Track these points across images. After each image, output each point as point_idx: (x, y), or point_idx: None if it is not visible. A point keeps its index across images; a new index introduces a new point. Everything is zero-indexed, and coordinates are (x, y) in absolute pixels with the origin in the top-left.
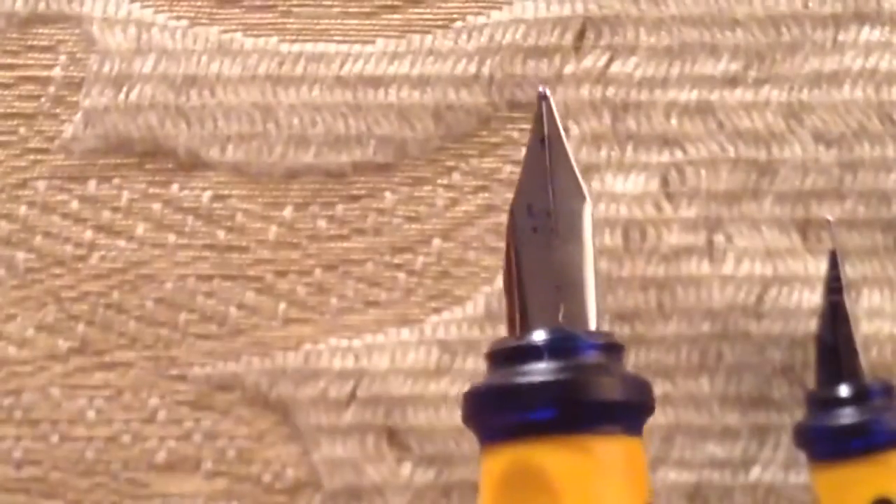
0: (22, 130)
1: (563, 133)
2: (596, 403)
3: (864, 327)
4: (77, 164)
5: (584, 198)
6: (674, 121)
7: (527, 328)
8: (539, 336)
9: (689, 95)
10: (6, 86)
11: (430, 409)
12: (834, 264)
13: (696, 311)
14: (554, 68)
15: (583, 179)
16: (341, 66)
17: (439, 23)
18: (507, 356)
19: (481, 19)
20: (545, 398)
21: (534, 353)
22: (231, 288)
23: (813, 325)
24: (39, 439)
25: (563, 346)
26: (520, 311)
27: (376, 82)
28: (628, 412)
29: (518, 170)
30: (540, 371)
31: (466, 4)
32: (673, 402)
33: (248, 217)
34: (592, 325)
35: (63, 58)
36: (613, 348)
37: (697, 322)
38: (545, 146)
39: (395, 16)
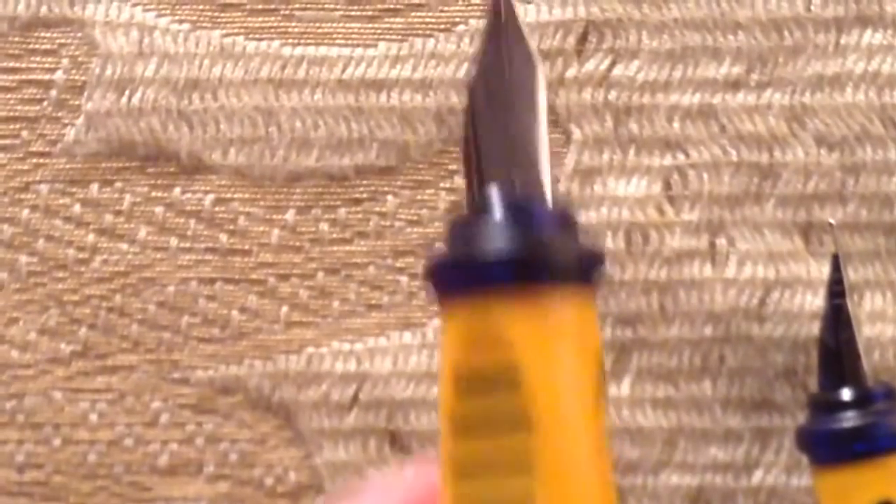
0: (24, 134)
1: (515, 6)
2: (551, 265)
3: (866, 331)
4: (79, 167)
5: (535, 66)
6: (676, 124)
7: (484, 199)
8: (496, 205)
9: (691, 99)
10: (8, 89)
11: (433, 412)
12: (836, 268)
13: (699, 315)
14: (556, 72)
15: (535, 50)
16: (343, 69)
17: (441, 26)
18: (464, 224)
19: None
20: (503, 261)
21: (491, 218)
22: (233, 291)
23: (815, 328)
24: (42, 443)
25: (518, 213)
26: (477, 182)
27: (378, 86)
28: (581, 274)
29: None
30: (496, 237)
31: (469, 8)
32: (675, 406)
33: (251, 220)
34: (547, 193)
35: (65, 61)
36: (567, 213)
37: (699, 325)
38: (499, 20)
39: (398, 19)
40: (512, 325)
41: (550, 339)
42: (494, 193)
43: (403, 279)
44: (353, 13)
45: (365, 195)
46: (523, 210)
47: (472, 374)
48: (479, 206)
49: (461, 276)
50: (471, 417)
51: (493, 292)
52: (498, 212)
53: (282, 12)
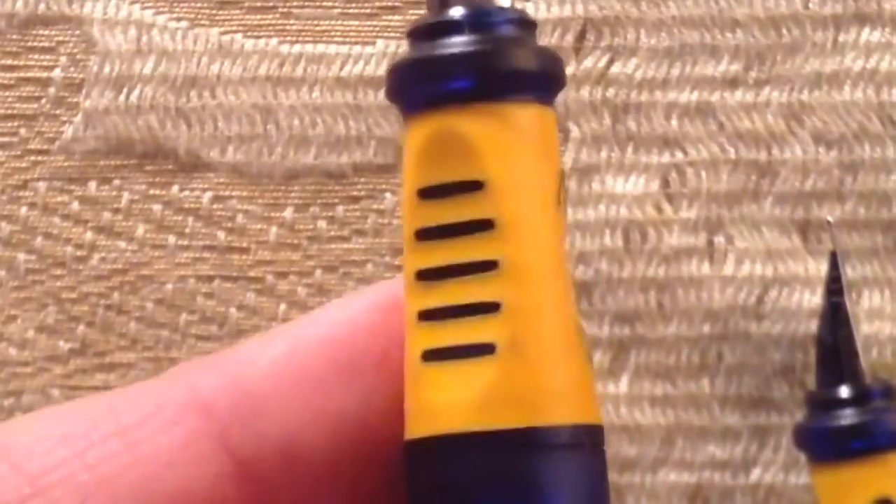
0: (22, 131)
1: None
2: (512, 72)
3: (864, 328)
4: (77, 165)
5: None
6: (674, 122)
7: (445, 5)
8: (457, 11)
9: (689, 96)
10: (6, 87)
11: None
12: (834, 265)
13: (697, 312)
14: None
15: None
16: (342, 67)
17: None
18: (427, 32)
19: None
20: (464, 68)
21: (452, 27)
22: (231, 289)
23: (813, 326)
24: None
25: (479, 20)
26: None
27: (377, 83)
28: (542, 82)
29: None
30: (459, 43)
31: None
32: (673, 403)
33: (249, 218)
34: (507, 1)
35: (63, 59)
36: (527, 23)
37: (698, 323)
38: None
39: (396, 17)
40: (474, 130)
41: (512, 143)
42: (456, 3)
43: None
44: (351, 11)
45: (363, 193)
46: (485, 23)
47: (435, 181)
48: (440, 14)
49: (426, 91)
50: (434, 226)
51: (455, 99)
52: (460, 22)
53: (280, 10)
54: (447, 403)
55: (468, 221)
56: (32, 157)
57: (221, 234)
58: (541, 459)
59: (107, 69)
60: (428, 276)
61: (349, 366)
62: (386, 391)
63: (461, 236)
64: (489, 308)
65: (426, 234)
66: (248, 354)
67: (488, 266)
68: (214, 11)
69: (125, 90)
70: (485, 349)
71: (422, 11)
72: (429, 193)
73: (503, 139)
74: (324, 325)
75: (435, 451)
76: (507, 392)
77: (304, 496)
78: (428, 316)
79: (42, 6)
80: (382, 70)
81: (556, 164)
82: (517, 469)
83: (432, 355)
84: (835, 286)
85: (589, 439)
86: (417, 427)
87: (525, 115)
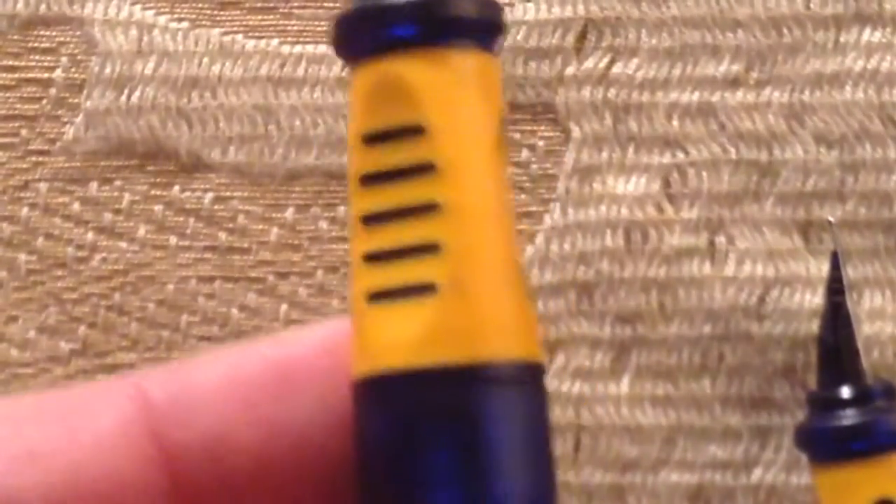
0: (23, 132)
1: None
2: (452, 19)
3: (865, 328)
4: (78, 165)
5: None
6: (675, 122)
7: None
8: None
9: (690, 97)
10: (8, 88)
11: None
12: (835, 265)
13: (698, 313)
14: (555, 70)
15: None
16: (343, 67)
17: None
18: None
19: None
20: (407, 15)
21: None
22: (232, 290)
23: (814, 326)
24: None
25: None
26: None
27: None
28: (481, 28)
29: (520, 172)
30: None
31: None
32: (674, 404)
33: (250, 219)
34: None
35: (64, 60)
36: None
37: (699, 323)
38: None
39: None
40: (415, 75)
41: (452, 88)
42: None
43: None
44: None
45: None
46: None
47: (378, 127)
48: None
49: (370, 39)
50: (378, 172)
51: (397, 45)
52: None
53: (281, 10)
54: (390, 342)
55: (410, 166)
56: (33, 158)
57: (223, 235)
58: (482, 394)
59: (108, 70)
60: (372, 220)
61: (292, 380)
62: (327, 411)
63: (403, 180)
64: (430, 249)
65: (370, 180)
66: (196, 361)
67: (429, 208)
68: (215, 12)
69: (126, 91)
70: (426, 288)
71: None
72: (372, 139)
73: (443, 84)
74: (275, 344)
75: (379, 388)
76: (449, 329)
77: (228, 497)
78: (372, 258)
79: (43, 7)
80: None
81: (498, 108)
82: (459, 404)
83: (376, 296)
84: (836, 286)
85: (530, 376)
86: (362, 366)
87: (465, 61)
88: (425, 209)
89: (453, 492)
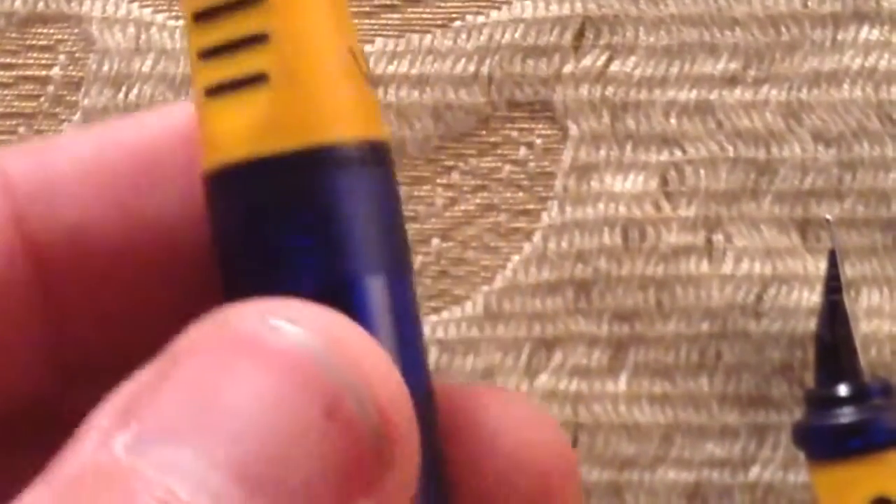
0: (21, 130)
1: None
2: None
3: (863, 326)
4: None
5: None
6: (673, 120)
7: None
8: None
9: (688, 95)
10: (5, 85)
11: None
12: (833, 263)
13: (695, 311)
14: (553, 68)
15: None
16: None
17: (438, 22)
18: None
19: (480, 19)
20: None
21: None
22: None
23: (812, 324)
24: None
25: None
26: None
27: (375, 82)
28: None
29: (518, 170)
30: None
31: (465, 4)
32: (672, 402)
33: None
34: None
35: (62, 57)
36: None
37: (696, 321)
38: None
39: (395, 15)
40: None
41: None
42: None
43: None
44: (349, 9)
45: None
46: None
47: None
48: None
49: None
50: (212, 18)
51: None
52: None
53: None
54: (229, 134)
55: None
56: None
57: None
58: (326, 175)
59: (106, 67)
60: (203, 16)
61: (153, 168)
62: (187, 199)
63: (234, 19)
64: (259, 39)
65: (203, 20)
66: (59, 142)
67: (260, 39)
68: None
69: (124, 88)
70: (258, 78)
71: (419, 10)
72: None
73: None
74: (137, 128)
75: (225, 180)
76: (284, 115)
77: (90, 285)
78: (207, 54)
79: (41, 4)
80: (381, 68)
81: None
82: (304, 187)
83: (212, 91)
84: (833, 284)
85: (372, 154)
86: (207, 161)
87: None
88: (254, 38)
89: (311, 272)
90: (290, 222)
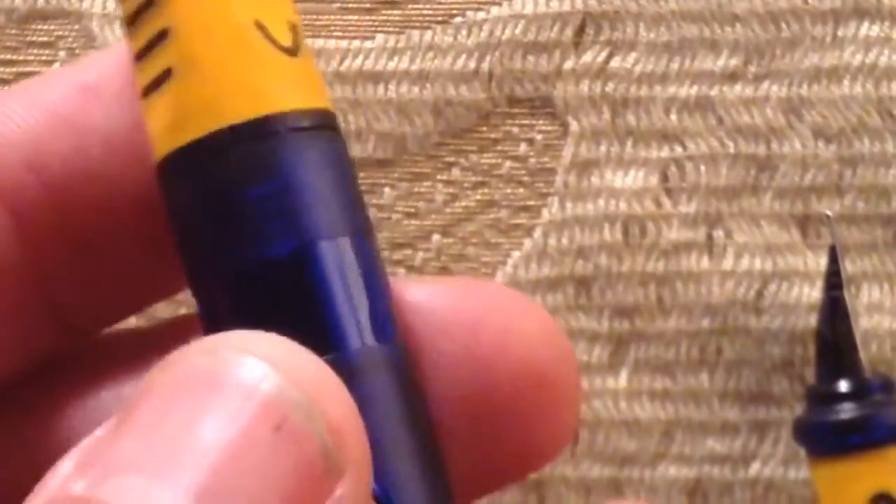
0: None
1: None
2: None
3: (863, 322)
4: None
5: None
6: (673, 116)
7: None
8: None
9: (688, 91)
10: (6, 82)
11: None
12: (834, 259)
13: (696, 307)
14: (553, 64)
15: None
16: (341, 61)
17: (439, 18)
18: None
19: (481, 15)
20: None
21: None
22: None
23: (813, 320)
24: None
25: None
26: None
27: (376, 78)
28: None
29: (518, 166)
30: None
31: (466, 0)
32: (672, 398)
33: None
34: None
35: (62, 54)
36: None
37: (697, 317)
38: None
39: (395, 11)
40: None
41: None
42: None
43: (401, 271)
44: (350, 5)
45: (362, 187)
46: None
47: None
48: None
49: None
50: (134, 22)
51: None
52: None
53: None
54: (162, 127)
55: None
56: None
57: None
58: (263, 150)
59: None
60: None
61: (95, 93)
62: (129, 118)
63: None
64: (162, 37)
65: (127, 21)
66: (5, 91)
67: (166, 38)
68: None
69: None
70: (167, 74)
71: (420, 6)
72: None
73: None
74: (77, 67)
75: (171, 169)
76: (193, 104)
77: (52, 209)
78: (136, 57)
79: (41, 1)
80: (381, 65)
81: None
82: (254, 156)
83: (145, 91)
84: (834, 280)
85: (311, 122)
86: (153, 154)
87: None
88: (149, 6)
89: (273, 243)
90: (244, 193)
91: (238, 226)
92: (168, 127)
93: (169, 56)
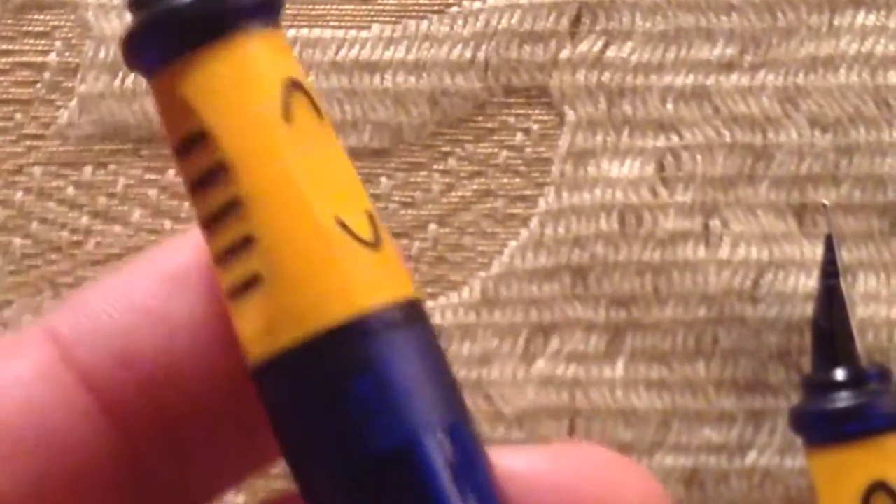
0: (18, 116)
1: None
2: (230, 11)
3: (860, 311)
4: (73, 150)
5: None
6: (670, 106)
7: None
8: None
9: (684, 80)
10: (2, 72)
11: None
12: (830, 248)
13: (692, 296)
14: (550, 53)
15: None
16: (337, 51)
17: (435, 8)
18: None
19: (477, 4)
20: (185, 20)
21: None
22: None
23: (809, 309)
24: None
25: None
26: None
27: (372, 68)
28: (262, 9)
29: (514, 155)
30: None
31: None
32: (669, 387)
33: None
34: None
35: (58, 44)
36: None
37: (693, 307)
38: None
39: (391, 1)
40: (188, 85)
41: (226, 84)
42: None
43: None
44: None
45: (359, 177)
46: None
47: (179, 142)
48: None
49: (157, 53)
50: (193, 180)
51: (175, 58)
52: None
53: None
54: (250, 337)
55: (210, 173)
56: (28, 142)
57: None
58: (359, 349)
59: (102, 54)
60: (204, 223)
61: (180, 279)
62: (214, 302)
63: (205, 189)
64: (246, 243)
65: (189, 185)
66: (94, 285)
67: (237, 208)
68: None
69: (120, 75)
70: (255, 280)
71: None
72: (177, 151)
73: (213, 86)
74: (163, 252)
75: (263, 378)
76: (287, 309)
77: (147, 403)
78: (217, 260)
79: None
80: (377, 54)
81: (281, 78)
82: (348, 357)
83: (231, 293)
84: (830, 269)
85: (398, 317)
86: (247, 358)
87: (246, 47)
88: (232, 208)
89: (376, 441)
90: (343, 394)
91: (339, 425)
92: (261, 331)
93: (254, 262)
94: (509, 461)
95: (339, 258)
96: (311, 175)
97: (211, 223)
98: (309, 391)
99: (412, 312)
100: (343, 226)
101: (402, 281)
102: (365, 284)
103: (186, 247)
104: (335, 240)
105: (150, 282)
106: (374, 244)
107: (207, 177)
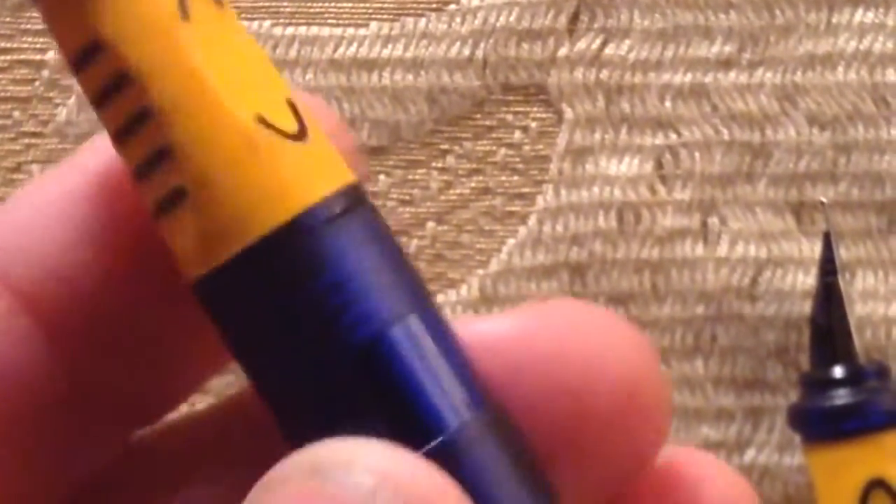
0: (16, 114)
1: None
2: None
3: (857, 309)
4: (71, 147)
5: None
6: (668, 103)
7: None
8: None
9: (683, 78)
10: (0, 69)
11: None
12: (828, 246)
13: (691, 294)
14: (548, 51)
15: None
16: (335, 49)
17: (433, 5)
18: None
19: (475, 2)
20: None
21: None
22: None
23: (807, 307)
24: None
25: None
26: None
27: (370, 65)
28: None
29: (513, 153)
30: None
31: None
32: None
33: None
34: None
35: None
36: None
37: (691, 304)
38: None
39: None
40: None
41: None
42: None
43: None
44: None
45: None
46: None
47: (74, 56)
48: None
49: None
50: (95, 95)
51: None
52: None
53: None
54: (189, 250)
55: (109, 79)
56: (26, 140)
57: None
58: (308, 249)
59: None
60: (118, 133)
61: (111, 187)
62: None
63: (112, 101)
64: (163, 156)
65: (92, 101)
66: (20, 195)
67: (143, 117)
68: None
69: None
70: (180, 193)
71: None
72: (74, 66)
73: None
74: (93, 153)
75: (207, 292)
76: (221, 221)
77: (84, 312)
78: (137, 175)
79: None
80: (376, 52)
81: None
82: (299, 258)
83: (156, 210)
84: (828, 267)
85: (344, 202)
86: (186, 274)
87: None
88: (140, 122)
89: (343, 339)
90: (297, 297)
91: (301, 330)
92: (197, 247)
93: (175, 176)
94: (482, 329)
95: (265, 159)
96: (220, 72)
97: (122, 138)
98: (263, 300)
99: (354, 198)
100: (264, 122)
101: (337, 167)
102: (297, 182)
103: (92, 162)
104: (258, 140)
105: (79, 184)
106: (301, 135)
107: (110, 89)
